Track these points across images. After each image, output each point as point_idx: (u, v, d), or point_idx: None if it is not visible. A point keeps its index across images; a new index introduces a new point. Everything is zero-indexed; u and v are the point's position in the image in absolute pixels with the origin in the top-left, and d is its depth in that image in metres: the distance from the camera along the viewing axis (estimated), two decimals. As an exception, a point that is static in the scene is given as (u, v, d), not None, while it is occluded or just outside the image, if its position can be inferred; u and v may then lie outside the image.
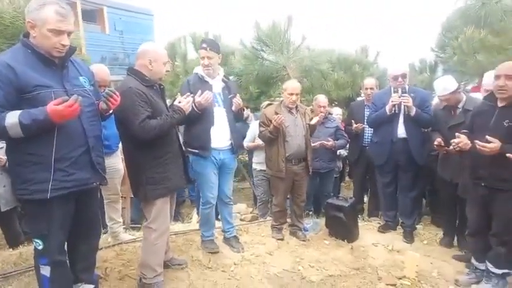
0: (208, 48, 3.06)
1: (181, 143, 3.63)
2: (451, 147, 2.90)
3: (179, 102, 2.64)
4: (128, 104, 2.33)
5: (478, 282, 2.89)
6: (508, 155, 2.39)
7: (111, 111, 2.25)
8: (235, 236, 3.55)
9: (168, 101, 3.12)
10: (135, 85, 2.42)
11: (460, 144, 2.75)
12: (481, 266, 2.88)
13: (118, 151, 3.39)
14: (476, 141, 2.57)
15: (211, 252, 3.29)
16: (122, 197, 3.84)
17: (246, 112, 3.87)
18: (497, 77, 2.56)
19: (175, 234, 3.68)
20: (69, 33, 1.94)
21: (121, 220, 3.64)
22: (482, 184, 2.69)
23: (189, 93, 2.76)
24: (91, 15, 10.55)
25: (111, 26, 10.44)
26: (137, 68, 2.53)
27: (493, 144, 2.47)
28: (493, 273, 2.76)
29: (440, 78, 3.50)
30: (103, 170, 2.22)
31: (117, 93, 2.15)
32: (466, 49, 4.88)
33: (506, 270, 2.75)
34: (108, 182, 3.43)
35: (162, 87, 2.70)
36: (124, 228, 3.94)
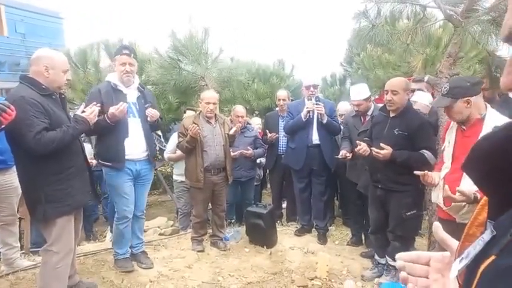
0: (131, 55, 2.97)
1: (93, 155, 3.39)
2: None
3: (82, 111, 2.46)
4: (20, 114, 2.10)
5: (380, 276, 3.19)
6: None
7: (3, 126, 2.01)
8: (143, 251, 3.39)
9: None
10: (29, 94, 2.20)
11: (360, 151, 3.03)
12: (382, 261, 3.19)
13: (15, 166, 3.03)
14: (373, 148, 2.86)
15: (125, 272, 3.10)
16: (20, 218, 3.42)
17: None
18: (385, 92, 2.89)
19: (84, 255, 3.39)
20: None
21: (18, 245, 3.22)
22: (379, 186, 2.99)
23: (95, 103, 2.59)
24: (-16, 14, 9.31)
25: (11, 27, 9.30)
26: (32, 76, 2.31)
27: (385, 151, 2.77)
28: (391, 266, 3.07)
29: (357, 85, 3.88)
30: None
31: (12, 107, 1.94)
32: (367, 65, 5.46)
33: (401, 262, 3.08)
34: (3, 202, 3.09)
35: (63, 96, 2.50)
36: (23, 253, 3.51)
